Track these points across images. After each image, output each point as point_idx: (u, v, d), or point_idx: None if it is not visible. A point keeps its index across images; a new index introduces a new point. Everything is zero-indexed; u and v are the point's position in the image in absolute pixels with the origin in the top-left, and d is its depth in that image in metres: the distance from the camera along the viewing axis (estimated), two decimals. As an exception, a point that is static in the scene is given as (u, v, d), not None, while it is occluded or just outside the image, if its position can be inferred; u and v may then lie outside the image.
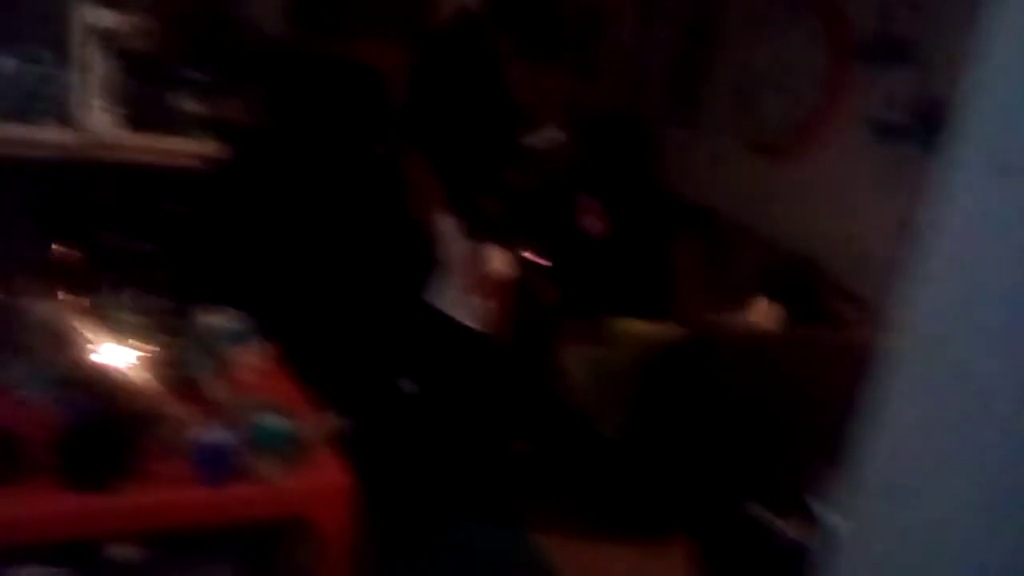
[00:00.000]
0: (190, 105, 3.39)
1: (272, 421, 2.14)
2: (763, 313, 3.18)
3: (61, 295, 2.45)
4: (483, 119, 3.54)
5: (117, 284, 2.74)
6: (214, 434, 2.01)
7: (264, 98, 3.81)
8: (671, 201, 4.04)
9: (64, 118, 2.98)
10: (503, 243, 3.04)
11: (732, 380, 2.66)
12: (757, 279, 3.28)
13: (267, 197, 3.47)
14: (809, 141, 3.83)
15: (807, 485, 2.52)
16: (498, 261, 2.97)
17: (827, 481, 2.51)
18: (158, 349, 2.32)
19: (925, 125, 3.45)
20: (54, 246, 2.58)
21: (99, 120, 3.05)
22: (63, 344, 2.25)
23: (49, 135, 2.95)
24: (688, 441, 2.75)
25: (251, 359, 2.49)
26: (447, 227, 3.09)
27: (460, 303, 3.02)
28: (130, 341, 2.29)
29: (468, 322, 2.98)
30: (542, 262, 3.29)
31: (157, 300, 2.91)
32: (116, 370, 2.18)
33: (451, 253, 3.07)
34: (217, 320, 2.50)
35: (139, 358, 2.26)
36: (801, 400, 2.71)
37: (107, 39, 3.04)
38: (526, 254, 3.32)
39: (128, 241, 2.96)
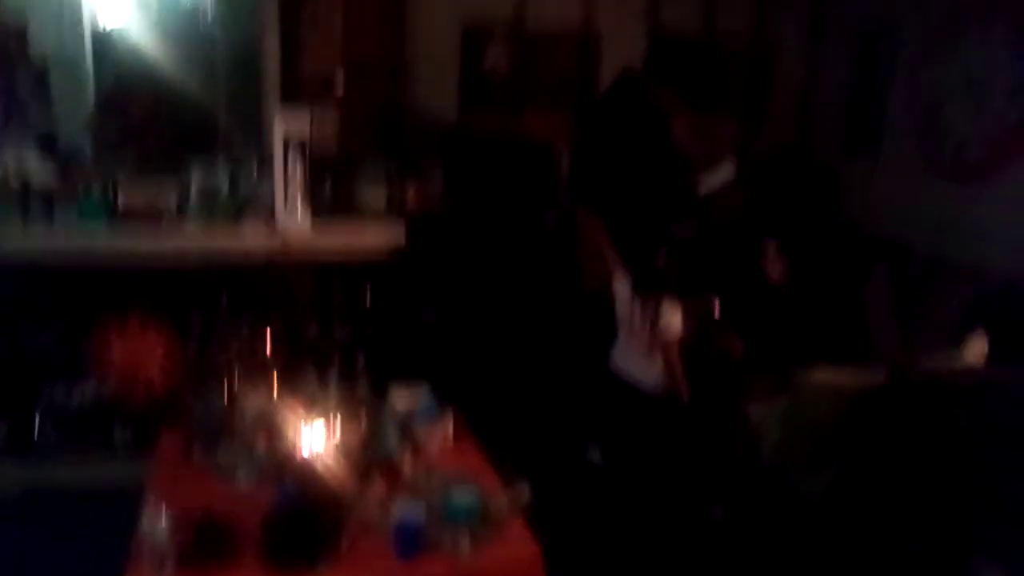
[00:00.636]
0: (375, 196, 3.62)
1: (462, 496, 2.21)
2: (977, 351, 2.90)
3: (270, 386, 2.67)
4: (653, 176, 3.54)
5: (317, 372, 2.97)
6: (408, 511, 2.10)
7: (440, 182, 4.03)
8: (858, 237, 3.82)
9: (262, 220, 3.29)
10: (678, 297, 2.99)
11: (949, 426, 2.42)
12: (965, 314, 3.00)
13: (449, 277, 3.63)
14: (1002, 160, 3.50)
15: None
16: (670, 317, 2.93)
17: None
18: (356, 430, 2.47)
19: None
20: (259, 341, 2.83)
21: (292, 218, 3.33)
22: (272, 433, 2.45)
23: (250, 236, 3.26)
24: (902, 498, 2.53)
25: (442, 434, 2.59)
26: (621, 288, 3.09)
27: (637, 364, 2.99)
28: (331, 424, 2.45)
29: (647, 382, 2.94)
30: (722, 313, 3.21)
31: (355, 383, 3.12)
32: (319, 454, 2.34)
33: (625, 314, 3.06)
34: (409, 398, 2.63)
35: (339, 440, 2.41)
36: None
37: (295, 143, 3.33)
38: (707, 306, 3.24)
39: (325, 330, 3.19)
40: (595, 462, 3.03)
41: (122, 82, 3.53)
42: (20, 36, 3.36)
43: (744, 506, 2.88)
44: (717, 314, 3.27)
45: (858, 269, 3.58)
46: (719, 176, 3.61)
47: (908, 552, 2.55)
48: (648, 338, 2.94)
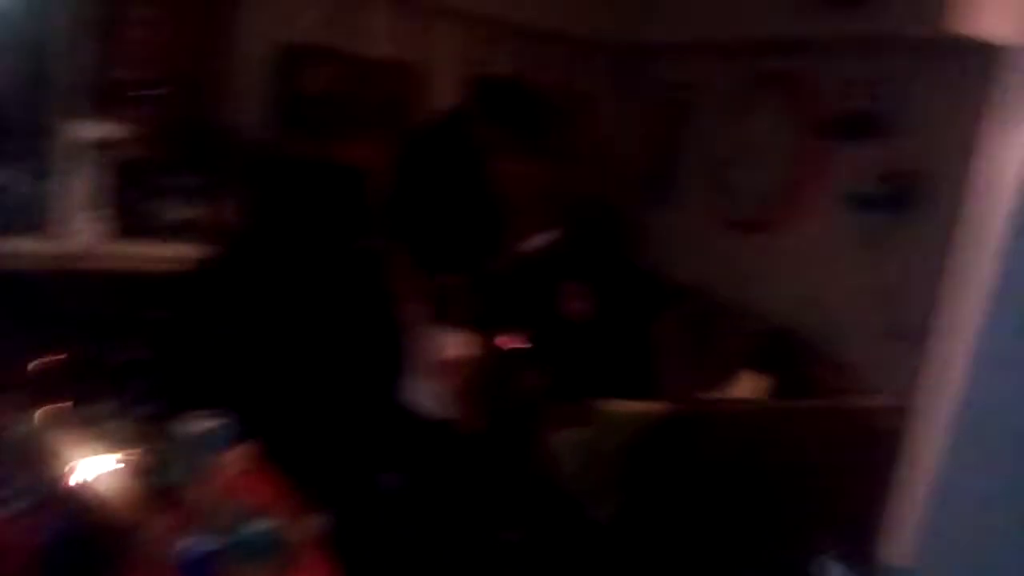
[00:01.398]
0: (176, 211, 3.47)
1: (256, 526, 2.14)
2: (750, 386, 3.20)
3: (44, 408, 2.46)
4: (467, 212, 3.63)
5: (99, 393, 2.77)
6: (197, 543, 2.00)
7: (248, 201, 3.91)
8: (653, 281, 4.10)
9: (50, 230, 3.06)
10: (472, 327, 3.08)
11: (722, 455, 2.65)
12: (742, 353, 3.30)
13: (248, 298, 3.51)
14: (783, 215, 3.91)
15: (807, 554, 2.49)
16: (454, 344, 3.01)
17: (828, 547, 2.49)
18: (139, 458, 2.32)
19: (897, 195, 3.53)
20: (37, 359, 2.61)
21: (85, 230, 3.12)
22: (44, 458, 2.26)
23: (33, 247, 3.02)
24: (683, 520, 2.72)
25: (233, 462, 2.48)
26: (414, 316, 3.14)
27: (423, 391, 3.04)
28: (112, 451, 2.30)
29: (433, 409, 2.99)
30: (522, 346, 3.32)
31: (139, 408, 2.93)
32: (97, 482, 2.18)
33: (415, 342, 3.11)
34: (198, 425, 2.50)
35: (120, 468, 2.26)
36: (794, 469, 2.70)
37: (97, 151, 3.14)
38: (506, 339, 3.35)
39: (110, 350, 2.99)
40: (390, 488, 3.02)
41: None
42: None
43: (540, 530, 2.98)
44: (517, 348, 3.39)
45: (652, 310, 3.83)
46: (536, 244, 3.76)
47: (688, 571, 2.74)
48: (429, 366, 3.00)
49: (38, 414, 2.44)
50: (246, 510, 2.24)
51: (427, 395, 3.01)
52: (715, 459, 2.70)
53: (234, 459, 2.48)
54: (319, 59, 4.32)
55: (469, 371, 3.04)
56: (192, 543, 1.99)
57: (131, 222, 3.33)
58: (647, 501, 2.84)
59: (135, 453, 2.33)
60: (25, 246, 3.04)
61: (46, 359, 2.62)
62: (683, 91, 4.75)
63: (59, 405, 2.51)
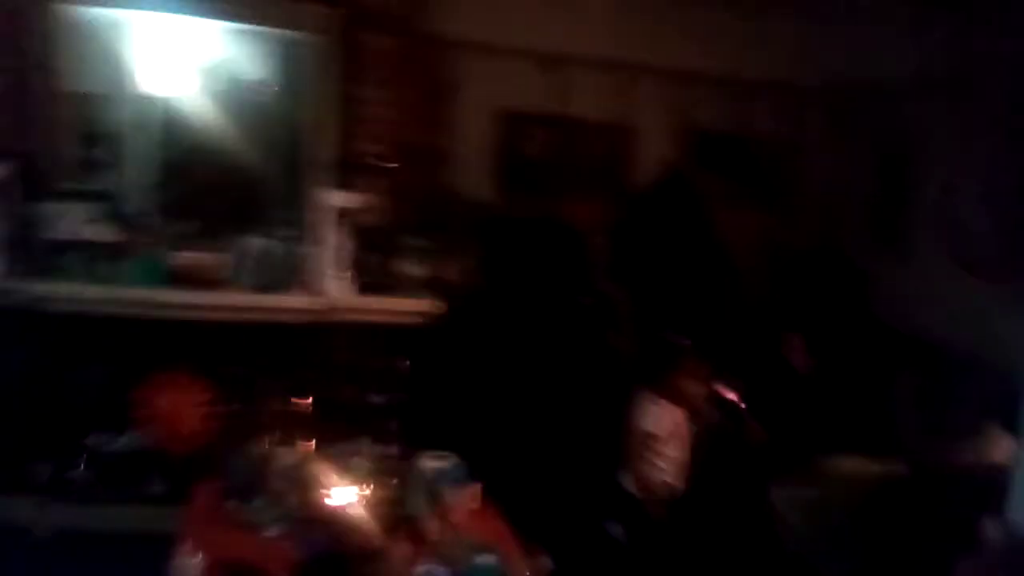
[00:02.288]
0: (412, 269, 3.77)
1: (485, 561, 2.26)
2: (996, 444, 2.92)
3: (303, 444, 2.76)
4: (696, 266, 3.67)
5: (351, 433, 3.06)
6: (432, 571, 2.15)
7: (477, 259, 4.18)
8: (885, 332, 3.87)
9: (307, 287, 3.44)
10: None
11: (964, 519, 2.44)
12: (986, 412, 3.03)
13: (482, 349, 3.73)
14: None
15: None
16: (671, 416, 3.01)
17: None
18: (383, 491, 2.54)
19: None
20: (296, 401, 2.93)
21: (336, 287, 3.48)
22: (305, 488, 2.54)
23: (295, 302, 3.41)
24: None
25: (468, 501, 2.64)
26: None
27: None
28: (362, 483, 2.53)
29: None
30: (738, 401, 3.26)
31: (385, 447, 3.19)
32: (347, 511, 2.41)
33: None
34: (436, 464, 2.69)
35: (367, 500, 2.48)
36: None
37: (342, 216, 3.51)
38: (728, 394, 3.30)
39: (361, 394, 3.30)
40: (616, 538, 3.05)
41: (189, 152, 3.76)
42: (98, 103, 3.62)
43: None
44: (739, 401, 3.33)
45: (884, 363, 3.63)
46: None
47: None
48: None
49: (299, 448, 2.73)
50: (477, 544, 2.38)
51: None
52: (957, 523, 2.50)
53: (466, 497, 2.64)
54: (537, 124, 4.57)
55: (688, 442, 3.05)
56: (427, 570, 2.15)
57: (372, 280, 3.66)
58: (883, 564, 2.67)
59: (380, 486, 2.55)
60: (284, 302, 3.44)
61: (306, 402, 2.93)
62: (899, 134, 4.51)
63: (315, 442, 2.80)
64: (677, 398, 3.08)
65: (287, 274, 3.48)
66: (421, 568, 2.17)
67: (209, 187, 3.77)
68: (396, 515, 2.46)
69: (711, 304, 3.96)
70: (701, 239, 3.72)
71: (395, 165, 3.88)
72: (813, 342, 3.54)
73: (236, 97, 3.84)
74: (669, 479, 3.01)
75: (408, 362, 3.58)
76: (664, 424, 3.03)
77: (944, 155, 4.16)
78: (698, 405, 3.11)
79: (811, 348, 3.51)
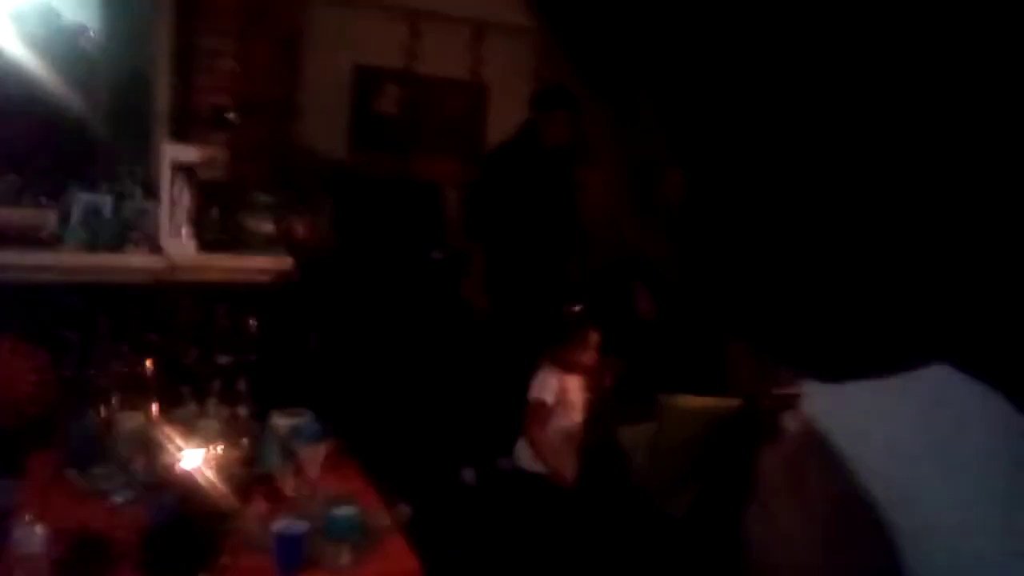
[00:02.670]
0: (262, 226, 3.67)
1: (343, 511, 2.27)
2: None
3: (149, 408, 2.67)
4: (548, 219, 3.76)
5: (201, 395, 2.97)
6: (290, 526, 2.15)
7: (330, 216, 4.12)
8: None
9: (152, 246, 3.29)
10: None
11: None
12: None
13: (334, 305, 3.69)
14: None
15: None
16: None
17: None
18: (236, 452, 2.49)
19: None
20: (144, 363, 2.82)
21: (182, 246, 3.34)
22: (151, 452, 2.46)
23: (140, 262, 3.25)
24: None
25: (323, 455, 2.64)
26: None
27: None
28: (211, 445, 2.47)
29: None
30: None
31: (236, 407, 3.12)
32: (198, 472, 2.36)
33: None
34: (290, 421, 2.67)
35: (219, 460, 2.43)
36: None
37: (183, 171, 3.36)
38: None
39: (210, 355, 3.20)
40: (468, 482, 3.14)
41: (8, 102, 3.47)
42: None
43: (613, 522, 3.05)
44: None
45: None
46: None
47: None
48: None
49: (145, 411, 2.64)
50: (334, 497, 2.39)
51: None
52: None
53: (321, 452, 2.63)
54: (389, 81, 4.52)
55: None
56: (285, 525, 2.14)
57: (216, 237, 3.53)
58: (719, 495, 2.88)
59: (231, 447, 2.50)
60: (121, 261, 3.27)
61: (153, 364, 2.82)
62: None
63: (159, 405, 2.71)
64: (572, 367, 3.14)
65: (121, 231, 3.29)
66: (278, 524, 2.16)
67: (31, 139, 3.50)
68: (250, 474, 2.43)
69: (562, 256, 4.07)
70: (551, 192, 3.81)
71: (240, 118, 3.74)
72: (656, 289, 3.72)
73: (59, 43, 3.57)
74: (559, 446, 3.09)
75: (255, 321, 3.50)
76: (555, 392, 3.09)
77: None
78: (592, 371, 3.20)
79: (654, 295, 3.69)
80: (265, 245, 3.59)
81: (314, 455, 2.60)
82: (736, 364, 3.44)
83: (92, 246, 3.19)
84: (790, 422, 0.56)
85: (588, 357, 3.13)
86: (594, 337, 3.13)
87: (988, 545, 0.43)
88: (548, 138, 3.68)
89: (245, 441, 2.57)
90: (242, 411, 3.22)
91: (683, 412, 2.99)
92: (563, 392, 3.08)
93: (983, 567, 0.43)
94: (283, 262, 3.52)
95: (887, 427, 0.47)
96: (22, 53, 3.50)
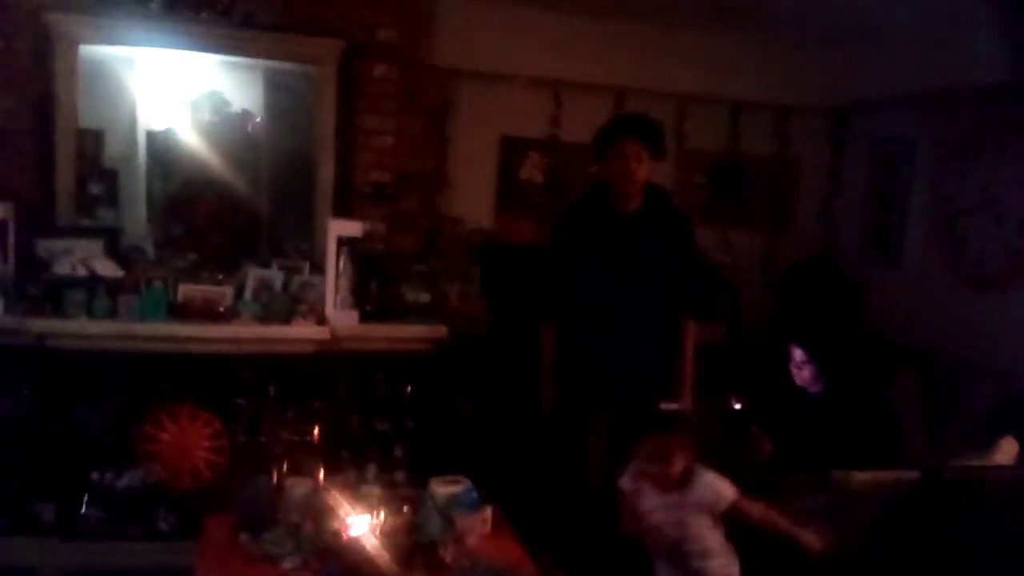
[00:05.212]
0: (419, 295, 3.79)
1: (503, 581, 2.27)
2: (1011, 452, 2.96)
3: (317, 474, 2.76)
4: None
5: (359, 461, 3.05)
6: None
7: (480, 283, 4.21)
8: (882, 343, 3.92)
9: (319, 317, 3.45)
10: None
11: (975, 522, 2.46)
12: (986, 416, 3.07)
13: (488, 371, 3.74)
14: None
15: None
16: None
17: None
18: (397, 519, 2.53)
19: None
20: (311, 430, 2.94)
21: (346, 316, 3.49)
22: (319, 518, 2.53)
23: (306, 332, 3.42)
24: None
25: (481, 523, 2.65)
26: None
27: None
28: (376, 512, 2.52)
29: None
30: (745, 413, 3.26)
31: (394, 474, 3.19)
32: (365, 539, 2.41)
33: None
34: (449, 489, 2.70)
35: (383, 527, 2.48)
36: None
37: (350, 246, 3.52)
38: (737, 406, 3.32)
39: (369, 422, 3.30)
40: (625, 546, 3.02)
41: (187, 185, 3.77)
42: (96, 138, 3.64)
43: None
44: (743, 415, 3.35)
45: (883, 374, 3.66)
46: None
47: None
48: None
49: (312, 477, 2.73)
50: (493, 567, 2.38)
51: None
52: (969, 527, 2.52)
53: (479, 520, 2.64)
54: (534, 149, 4.62)
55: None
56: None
57: (380, 307, 3.67)
58: (901, 571, 2.69)
59: (392, 514, 2.54)
60: (288, 332, 3.44)
61: (318, 431, 2.93)
62: (894, 145, 4.59)
63: (324, 471, 2.80)
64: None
65: (290, 304, 3.48)
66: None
67: (209, 219, 3.78)
68: (411, 542, 2.46)
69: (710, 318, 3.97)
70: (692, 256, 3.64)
71: (396, 191, 3.91)
72: (813, 355, 3.57)
73: (228, 129, 3.86)
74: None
75: (411, 388, 3.58)
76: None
77: (940, 169, 4.24)
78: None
79: (812, 361, 3.54)
80: (421, 314, 3.69)
81: (473, 524, 2.62)
82: (909, 436, 3.24)
83: (264, 318, 3.38)
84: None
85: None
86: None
87: None
88: (615, 175, 3.00)
89: (407, 509, 2.61)
90: (400, 477, 3.30)
91: (858, 487, 2.82)
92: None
93: None
94: (438, 330, 3.60)
95: None
96: (197, 139, 3.82)
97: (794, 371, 3.61)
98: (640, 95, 4.45)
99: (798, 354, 3.57)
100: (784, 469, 3.35)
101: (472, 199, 4.53)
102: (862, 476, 2.82)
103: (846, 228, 4.95)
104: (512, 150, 4.62)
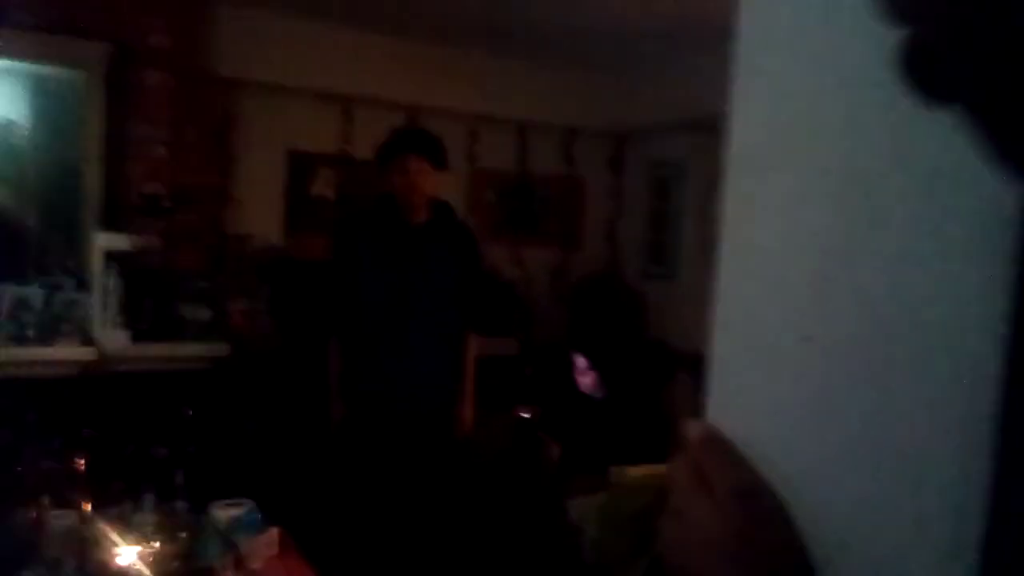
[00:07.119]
0: (198, 313, 3.61)
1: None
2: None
3: (83, 505, 2.55)
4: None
5: (136, 489, 2.85)
6: (232, 621, 2.06)
7: (267, 301, 4.08)
8: (661, 351, 4.20)
9: (84, 337, 3.20)
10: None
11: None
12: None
13: (273, 391, 3.62)
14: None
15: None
16: None
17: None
18: (174, 546, 2.40)
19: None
20: (76, 459, 2.71)
21: (115, 336, 3.26)
22: (84, 551, 2.34)
23: (69, 353, 3.16)
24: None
25: (266, 547, 2.55)
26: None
27: None
28: (147, 542, 2.37)
29: None
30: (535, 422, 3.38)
31: (174, 501, 3.00)
32: (133, 570, 2.26)
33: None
34: (230, 512, 2.58)
35: (155, 555, 2.34)
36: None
37: (121, 261, 3.30)
38: (526, 415, 3.44)
39: (144, 447, 3.10)
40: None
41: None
42: None
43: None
44: (533, 423, 3.48)
45: (662, 378, 3.93)
46: None
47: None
48: None
49: (77, 509, 2.52)
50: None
51: None
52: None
53: (264, 543, 2.55)
54: (324, 165, 4.56)
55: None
56: (229, 621, 2.06)
57: (154, 326, 3.46)
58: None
59: (169, 541, 2.40)
60: (51, 354, 3.17)
61: (85, 458, 2.72)
62: (667, 168, 4.97)
63: (92, 502, 2.60)
64: None
65: (53, 324, 3.21)
66: (220, 620, 2.07)
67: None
68: (186, 569, 2.33)
69: (503, 333, 4.08)
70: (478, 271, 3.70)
71: (173, 205, 3.72)
72: (598, 363, 3.76)
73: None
74: None
75: (192, 411, 3.41)
76: None
77: (704, 190, 4.63)
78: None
79: (596, 369, 3.73)
80: (201, 332, 3.52)
81: (257, 546, 2.52)
82: (681, 421, 3.46)
83: (20, 339, 3.10)
84: (691, 428, 0.59)
85: None
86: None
87: (890, 521, 0.47)
88: (399, 189, 2.99)
89: (183, 535, 2.47)
90: (179, 505, 3.11)
91: (631, 480, 2.99)
92: None
93: (887, 544, 0.47)
94: (219, 348, 3.45)
95: (783, 421, 0.52)
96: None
97: (578, 378, 3.79)
98: (432, 113, 4.53)
99: (581, 362, 3.75)
100: (572, 470, 3.50)
101: (261, 215, 4.38)
102: (636, 470, 3.00)
103: (629, 244, 5.28)
104: (302, 166, 4.53)
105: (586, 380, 3.74)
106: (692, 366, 4.14)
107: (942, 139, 0.44)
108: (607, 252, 5.36)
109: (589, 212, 5.36)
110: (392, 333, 3.02)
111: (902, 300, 0.48)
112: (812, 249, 0.54)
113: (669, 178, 4.98)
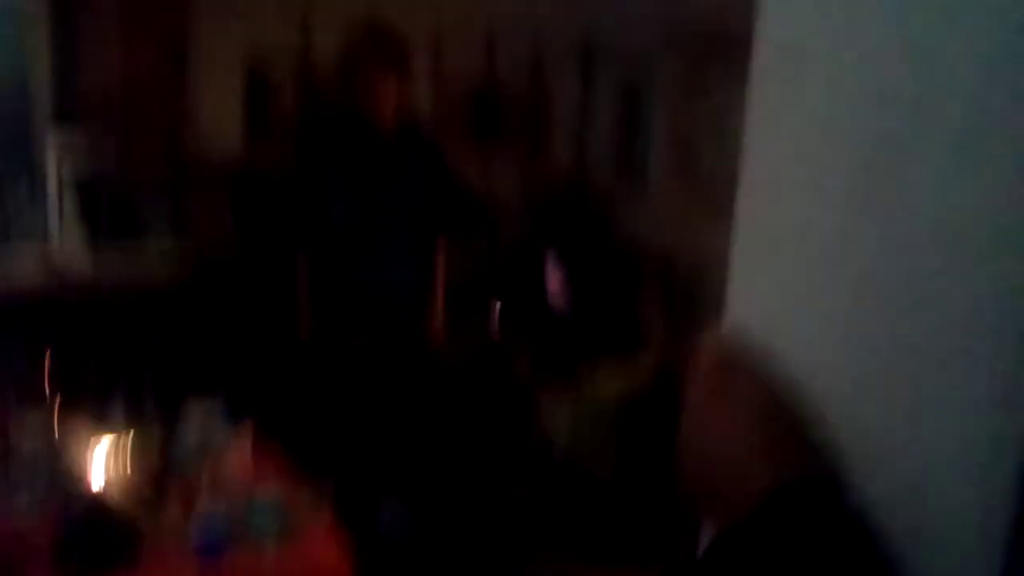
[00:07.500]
0: (155, 220, 3.54)
1: (263, 497, 2.21)
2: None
3: (58, 405, 2.52)
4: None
5: (106, 392, 2.82)
6: (210, 514, 2.08)
7: (226, 214, 3.98)
8: (629, 255, 4.19)
9: (39, 240, 3.12)
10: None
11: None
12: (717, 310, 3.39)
13: (239, 297, 3.56)
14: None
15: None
16: None
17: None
18: (146, 443, 2.39)
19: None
20: (50, 356, 2.67)
21: (71, 238, 3.18)
22: (55, 457, 2.32)
23: (26, 258, 3.08)
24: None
25: (240, 443, 2.56)
26: None
27: None
28: (120, 442, 2.36)
29: None
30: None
31: (141, 399, 2.98)
32: (108, 472, 2.26)
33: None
34: (202, 408, 2.57)
35: (130, 456, 2.33)
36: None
37: (77, 161, 3.20)
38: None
39: (108, 352, 3.06)
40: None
41: None
42: None
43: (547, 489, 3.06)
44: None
45: (631, 281, 3.94)
46: None
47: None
48: None
49: (50, 412, 2.49)
50: (255, 485, 2.32)
51: None
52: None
53: (241, 440, 2.55)
54: (285, 73, 4.38)
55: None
56: (204, 514, 2.07)
57: (113, 230, 3.38)
58: (640, 454, 2.93)
59: (141, 439, 2.39)
60: (20, 257, 3.09)
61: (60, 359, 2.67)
62: (637, 74, 4.87)
63: (60, 403, 2.57)
64: None
65: (6, 227, 3.12)
66: (197, 514, 2.08)
67: None
68: (162, 465, 2.33)
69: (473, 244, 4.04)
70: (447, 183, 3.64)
71: (126, 117, 3.58)
72: (568, 268, 3.75)
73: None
74: None
75: (159, 312, 3.36)
76: None
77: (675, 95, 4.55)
78: None
79: (566, 274, 3.72)
80: (159, 238, 3.45)
81: (230, 443, 2.52)
82: (648, 324, 3.49)
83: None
84: (708, 340, 0.59)
85: None
86: None
87: (929, 434, 0.46)
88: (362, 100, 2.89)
89: (155, 429, 2.46)
90: (150, 404, 3.09)
91: (599, 375, 3.03)
92: None
93: (925, 457, 0.46)
94: (178, 253, 3.38)
95: (810, 323, 0.50)
96: None
97: (549, 280, 3.79)
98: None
99: (551, 263, 3.74)
100: (541, 372, 3.53)
101: (218, 122, 4.21)
102: (602, 363, 3.04)
103: (599, 151, 5.21)
104: (262, 67, 4.34)
105: (555, 280, 3.74)
106: (662, 271, 4.16)
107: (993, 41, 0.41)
108: (575, 156, 5.30)
109: (556, 117, 5.27)
110: (362, 248, 2.96)
111: (950, 206, 0.44)
112: (853, 153, 0.51)
113: (640, 90, 4.88)
